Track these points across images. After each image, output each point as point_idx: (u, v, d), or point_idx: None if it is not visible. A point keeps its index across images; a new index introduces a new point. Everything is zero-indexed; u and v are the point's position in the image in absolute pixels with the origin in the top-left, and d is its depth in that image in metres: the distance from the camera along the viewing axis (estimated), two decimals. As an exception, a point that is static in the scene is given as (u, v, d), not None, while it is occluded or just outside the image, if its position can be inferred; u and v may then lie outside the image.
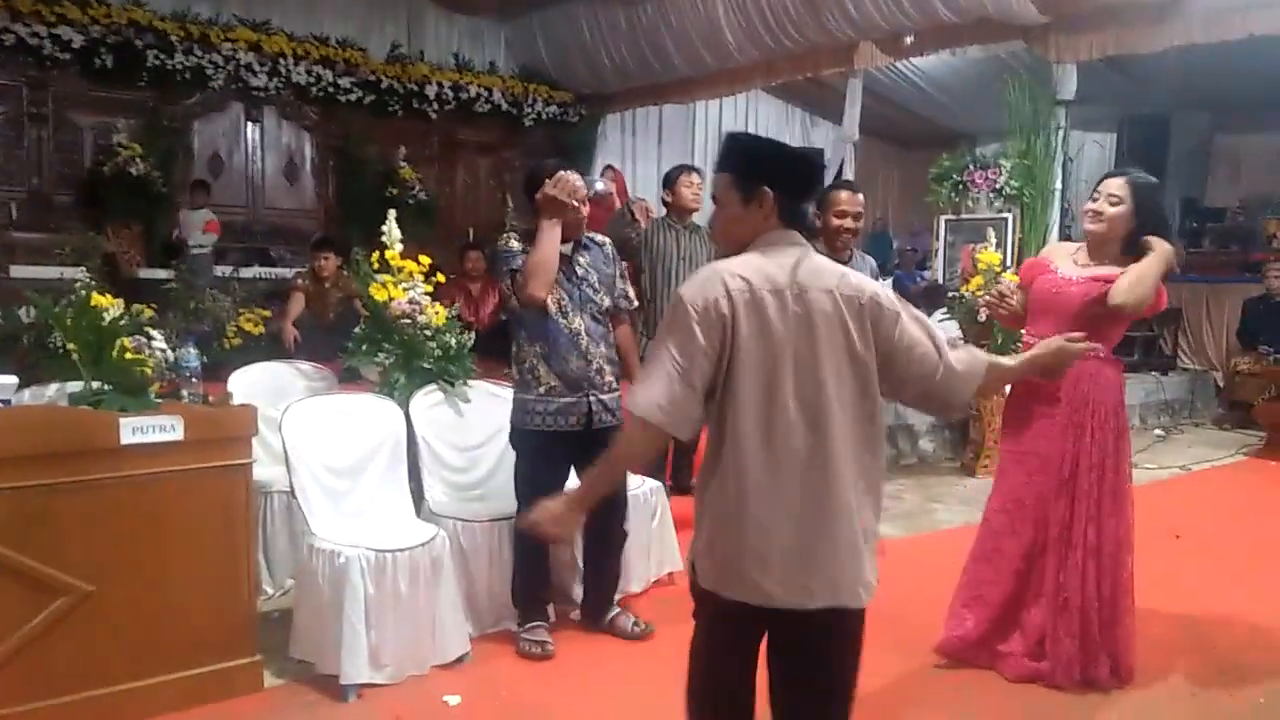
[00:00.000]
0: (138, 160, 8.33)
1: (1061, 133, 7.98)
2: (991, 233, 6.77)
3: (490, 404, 4.01)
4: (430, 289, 3.97)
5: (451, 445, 3.89)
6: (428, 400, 3.86)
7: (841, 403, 1.88)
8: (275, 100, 9.58)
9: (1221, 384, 9.25)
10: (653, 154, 12.35)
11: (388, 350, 3.88)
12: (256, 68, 9.30)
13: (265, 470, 3.84)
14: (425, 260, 4.01)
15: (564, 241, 3.43)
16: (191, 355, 3.30)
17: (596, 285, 3.51)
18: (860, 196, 3.95)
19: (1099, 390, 3.18)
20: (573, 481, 3.65)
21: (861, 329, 1.89)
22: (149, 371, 3.12)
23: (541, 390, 3.43)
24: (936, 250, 8.69)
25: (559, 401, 3.42)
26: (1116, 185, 3.16)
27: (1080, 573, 3.18)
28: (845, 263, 3.87)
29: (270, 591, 3.93)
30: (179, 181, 8.75)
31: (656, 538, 4.11)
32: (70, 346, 3.10)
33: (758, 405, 1.86)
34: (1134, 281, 3.04)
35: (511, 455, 3.97)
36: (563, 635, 3.60)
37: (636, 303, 3.95)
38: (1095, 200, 3.19)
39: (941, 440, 7.26)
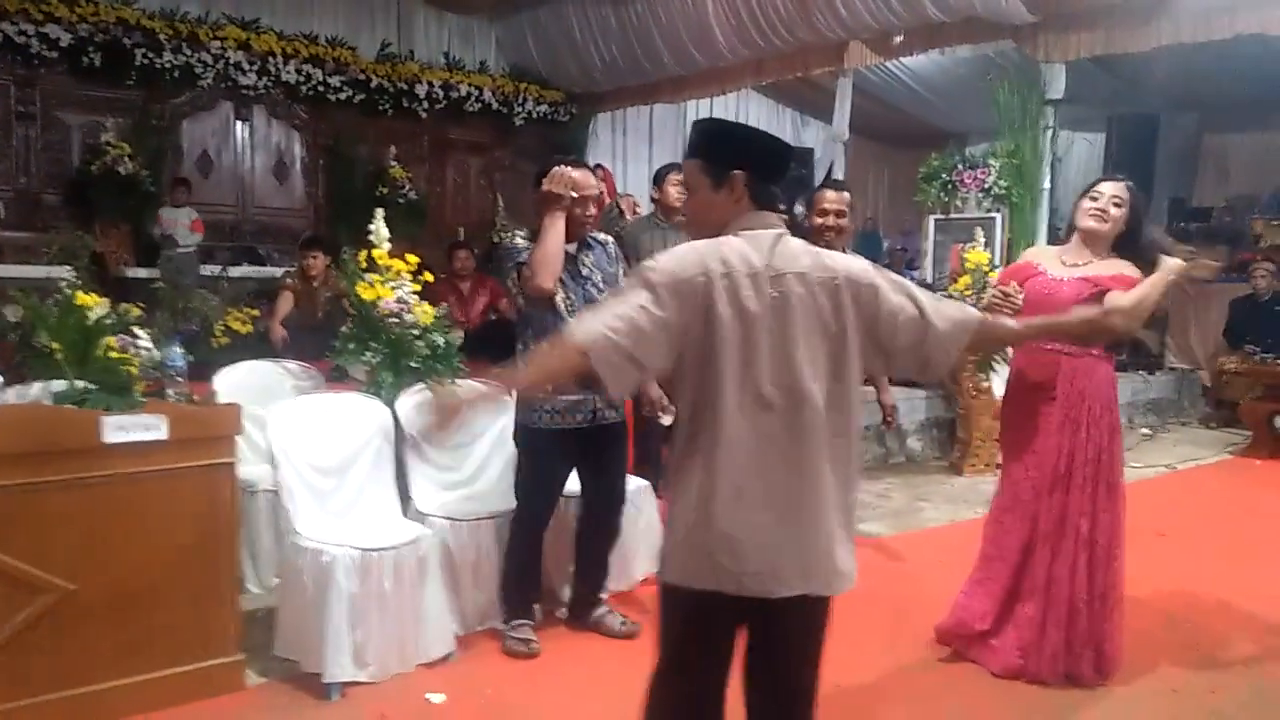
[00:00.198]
0: (126, 159, 8.30)
1: (1050, 132, 8.01)
2: (980, 232, 6.81)
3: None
4: (418, 288, 3.96)
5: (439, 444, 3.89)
6: (415, 399, 3.85)
7: (818, 387, 1.86)
8: (265, 99, 9.56)
9: (1209, 383, 9.28)
10: (644, 153, 12.36)
11: (375, 349, 3.88)
12: (246, 66, 9.27)
13: (251, 469, 3.84)
14: (413, 259, 4.00)
15: (569, 241, 3.44)
16: (177, 354, 3.30)
17: (601, 284, 3.52)
18: (846, 195, 3.97)
19: (1094, 386, 3.27)
20: (573, 481, 3.67)
21: (838, 310, 1.88)
22: (134, 370, 3.11)
23: (550, 388, 3.45)
24: (926, 250, 8.71)
25: (566, 399, 3.43)
26: (1119, 189, 3.30)
27: (1071, 565, 3.24)
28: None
29: (255, 590, 3.92)
30: (168, 181, 8.72)
31: (644, 538, 4.11)
32: (55, 345, 3.09)
33: (732, 390, 1.84)
34: (1134, 305, 3.11)
35: (498, 454, 3.99)
36: (549, 633, 3.61)
37: None
38: (1097, 200, 3.29)
39: (929, 439, 7.28)
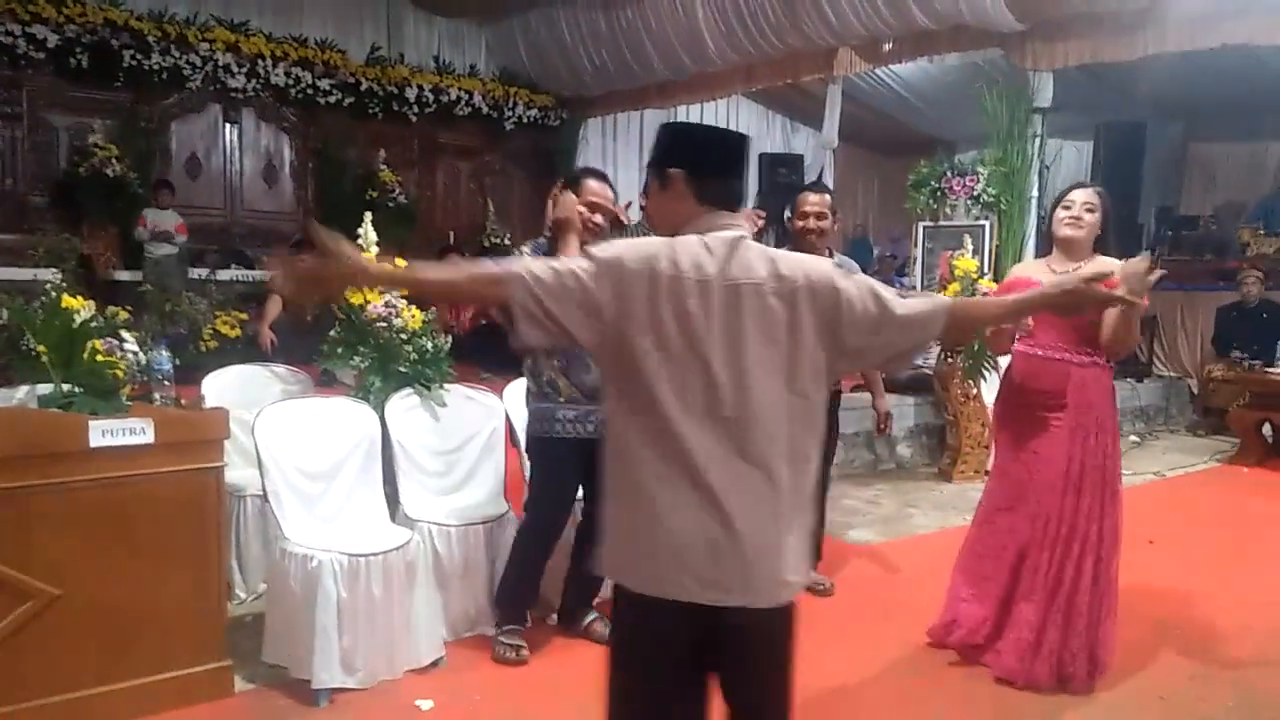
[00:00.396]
0: (114, 161, 8.29)
1: (1038, 140, 8.05)
2: (969, 239, 6.83)
3: (467, 408, 4.00)
4: (405, 292, 3.94)
5: (427, 449, 3.88)
6: (404, 404, 3.84)
7: (772, 399, 1.79)
8: (254, 102, 9.56)
9: (1196, 391, 9.33)
10: (634, 160, 12.37)
11: (363, 353, 3.86)
12: (235, 69, 9.27)
13: (239, 474, 3.82)
14: (402, 263, 3.98)
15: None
16: (164, 358, 3.27)
17: None
18: (827, 197, 3.96)
19: (1100, 394, 3.35)
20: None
21: (796, 319, 1.79)
22: (120, 374, 3.09)
23: (563, 399, 3.45)
24: (915, 256, 8.74)
25: (581, 409, 3.43)
26: (1089, 195, 3.41)
27: (1077, 569, 3.29)
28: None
29: (243, 596, 3.90)
30: (152, 183, 8.68)
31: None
32: (41, 348, 3.07)
33: (672, 397, 1.77)
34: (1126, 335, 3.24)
35: (487, 460, 3.98)
36: (539, 640, 3.59)
37: None
38: (1070, 208, 3.40)
39: (919, 446, 7.29)
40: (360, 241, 3.90)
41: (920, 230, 8.52)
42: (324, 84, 9.81)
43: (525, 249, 3.57)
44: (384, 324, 3.85)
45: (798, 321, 1.80)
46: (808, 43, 8.90)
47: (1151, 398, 9.14)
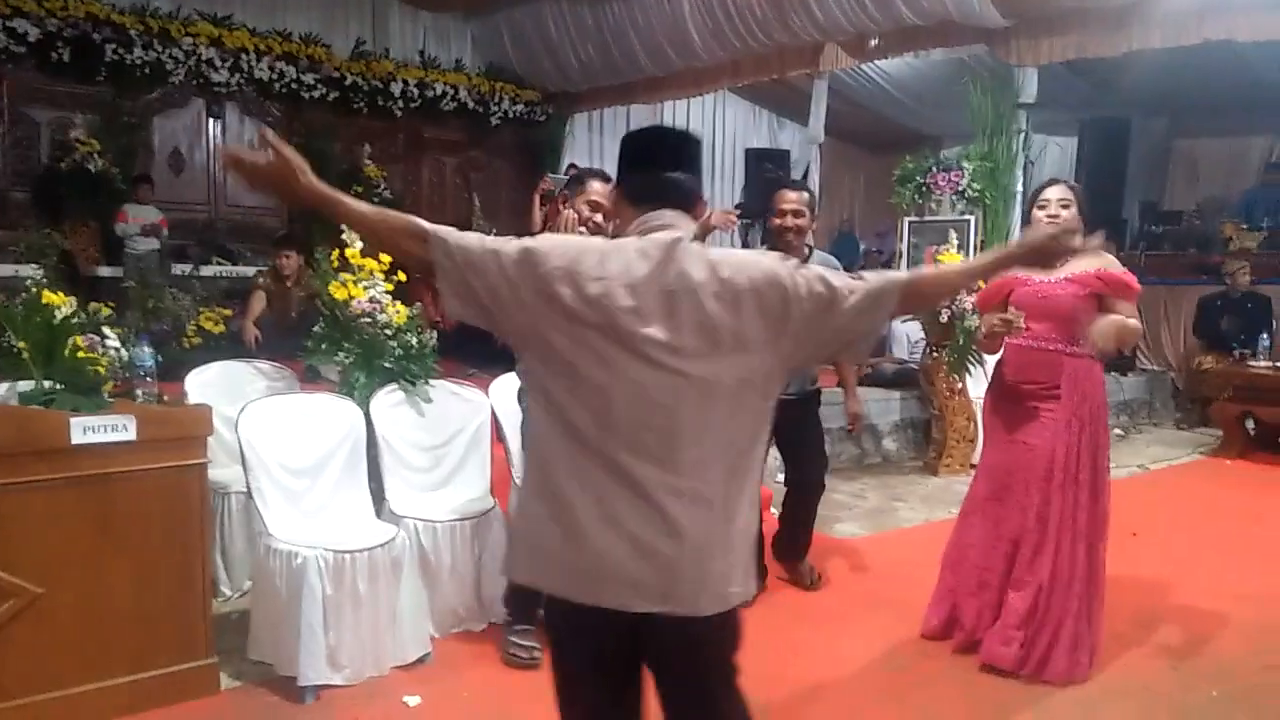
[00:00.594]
0: (96, 156, 8.20)
1: (1023, 136, 8.08)
2: (954, 234, 6.85)
3: (452, 403, 3.99)
4: (391, 287, 3.93)
5: (413, 444, 3.87)
6: (389, 400, 3.83)
7: (705, 404, 1.70)
8: (237, 96, 9.47)
9: (1180, 385, 9.37)
10: (620, 155, 12.34)
11: (347, 349, 3.85)
12: (218, 63, 9.19)
13: (224, 471, 3.80)
14: (386, 259, 3.97)
15: None
16: (146, 354, 3.25)
17: None
18: (806, 195, 3.95)
19: (1093, 386, 3.39)
20: None
21: (739, 321, 1.71)
22: (102, 370, 3.07)
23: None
24: (901, 251, 8.75)
25: None
26: (1062, 190, 3.46)
27: (1071, 559, 3.33)
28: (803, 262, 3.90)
29: (228, 593, 3.89)
30: (132, 178, 8.61)
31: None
32: (21, 345, 3.04)
33: (595, 401, 1.70)
34: (1116, 330, 3.25)
35: (474, 455, 3.97)
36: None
37: None
38: (1046, 207, 3.44)
39: (905, 440, 7.32)
40: (344, 236, 3.89)
41: (905, 225, 8.54)
42: (308, 78, 9.74)
43: None
44: (368, 320, 3.83)
45: (742, 324, 1.71)
46: (794, 38, 8.90)
47: (1135, 391, 9.20)
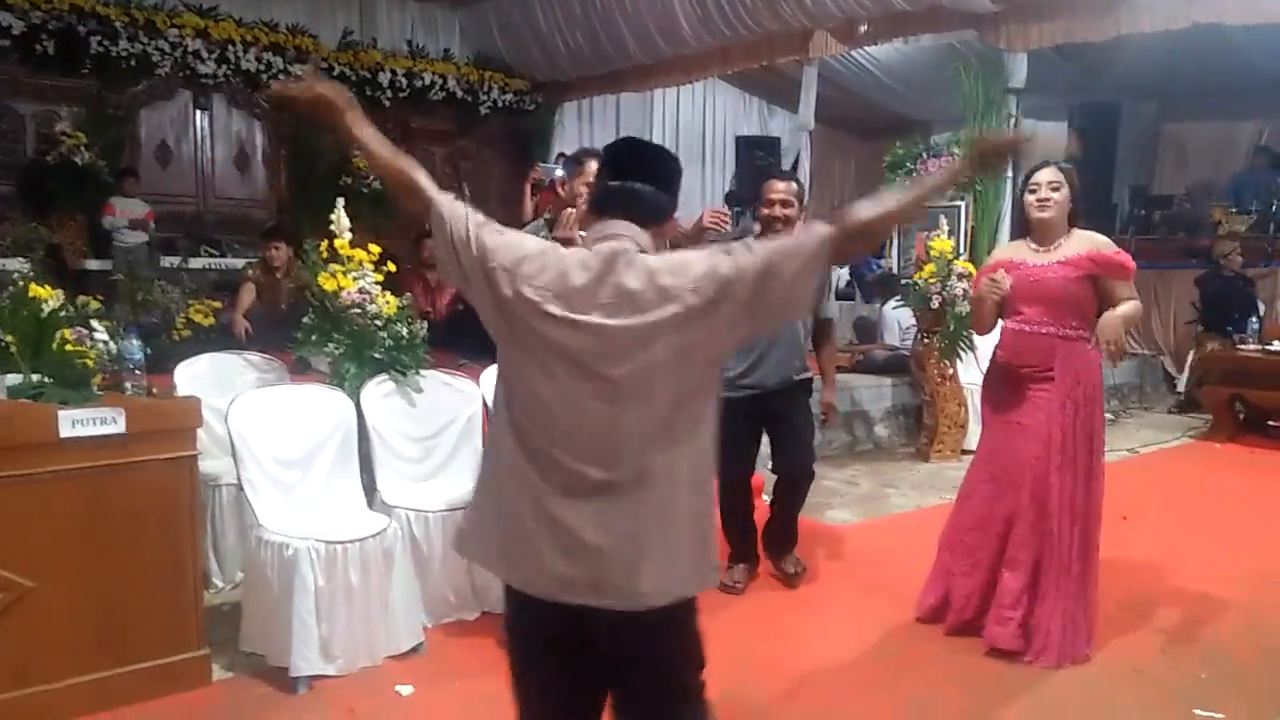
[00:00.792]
0: (82, 149, 8.14)
1: (1013, 121, 8.06)
2: (944, 220, 6.85)
3: (444, 394, 3.99)
4: (380, 278, 3.92)
5: (404, 435, 3.86)
6: (379, 390, 3.82)
7: (641, 408, 1.70)
8: (224, 88, 9.41)
9: (1175, 370, 9.37)
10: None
11: (337, 340, 3.84)
12: (204, 54, 9.12)
13: (214, 463, 3.80)
14: (375, 249, 3.96)
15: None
16: (135, 347, 3.24)
17: None
18: (795, 185, 3.95)
19: (1086, 369, 3.39)
20: None
21: (678, 331, 1.69)
22: (90, 363, 3.07)
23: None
24: (891, 238, 8.76)
25: None
26: (1052, 173, 3.43)
27: (1068, 541, 3.35)
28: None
29: (220, 585, 3.88)
30: (118, 171, 8.56)
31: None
32: (9, 338, 3.03)
33: (534, 397, 1.74)
34: (1122, 323, 3.30)
35: (465, 445, 3.97)
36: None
37: None
38: (1036, 191, 3.43)
39: (896, 426, 7.33)
40: (333, 227, 3.88)
41: (896, 212, 8.53)
42: (296, 69, 9.68)
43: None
44: (358, 310, 3.82)
45: (680, 331, 1.68)
46: (783, 25, 8.88)
47: (1126, 376, 9.22)
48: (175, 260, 8.12)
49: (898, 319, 7.57)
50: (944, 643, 3.52)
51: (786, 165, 10.73)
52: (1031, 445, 3.39)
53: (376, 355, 3.86)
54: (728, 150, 13.05)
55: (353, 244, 3.89)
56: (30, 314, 3.04)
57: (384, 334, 3.86)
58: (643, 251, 1.76)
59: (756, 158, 11.26)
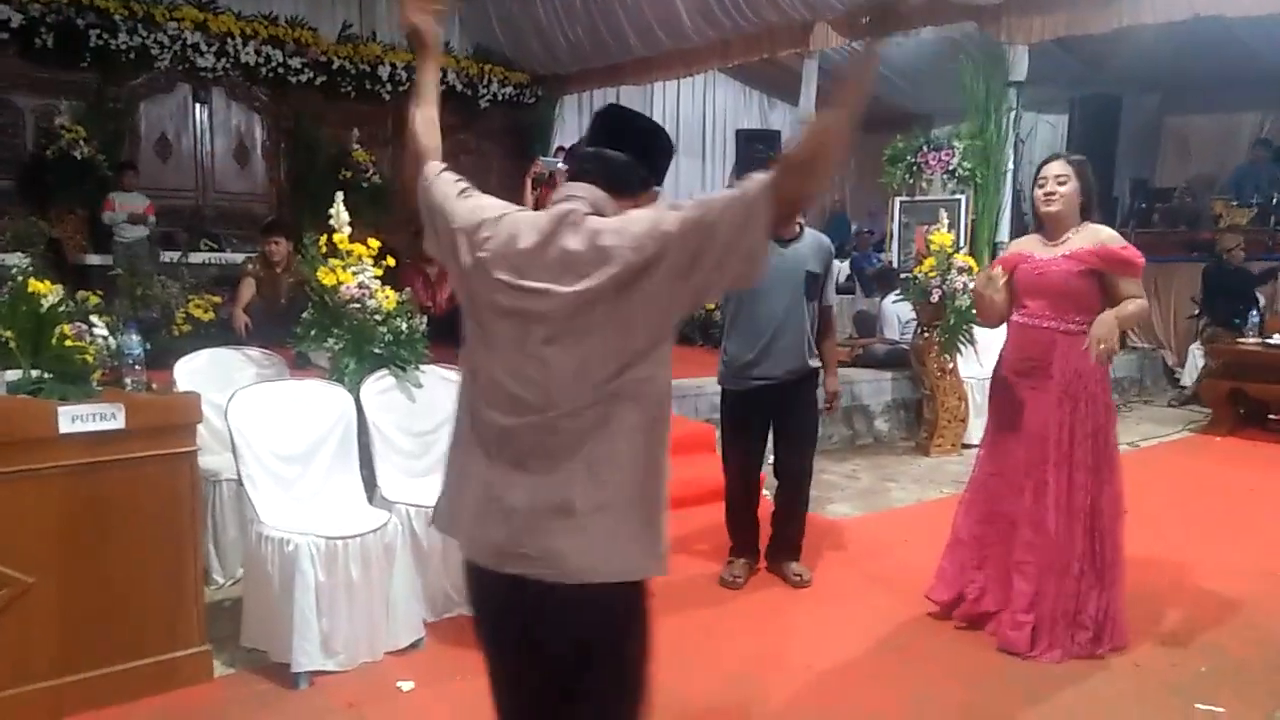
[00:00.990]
0: (82, 143, 8.15)
1: (1013, 114, 8.06)
2: (945, 213, 6.84)
3: (444, 389, 3.97)
4: (379, 273, 3.92)
5: (404, 430, 3.86)
6: (379, 385, 3.82)
7: (579, 376, 1.66)
8: (223, 81, 9.43)
9: (1176, 364, 9.36)
10: (611, 137, 12.28)
11: (337, 335, 3.84)
12: (204, 48, 9.13)
13: (214, 458, 3.79)
14: (375, 244, 3.96)
15: None
16: (134, 342, 3.23)
17: None
18: None
19: (1087, 364, 3.33)
20: None
21: (619, 294, 1.63)
22: (90, 359, 3.06)
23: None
24: (892, 231, 8.75)
25: None
26: (1059, 166, 3.41)
27: (1073, 538, 3.34)
28: (793, 239, 3.88)
29: (220, 580, 3.88)
30: (117, 165, 8.56)
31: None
32: (8, 334, 3.02)
33: (480, 362, 1.76)
34: (1117, 324, 3.27)
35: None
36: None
37: None
38: (1044, 185, 3.41)
39: (897, 420, 7.33)
40: (332, 222, 3.87)
41: (897, 205, 8.54)
42: (295, 62, 9.68)
43: None
44: (358, 305, 3.82)
45: (621, 295, 1.64)
46: (784, 18, 8.87)
47: (1126, 370, 9.23)
48: (175, 255, 8.13)
49: (897, 313, 7.56)
50: (945, 636, 3.53)
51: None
52: (1030, 442, 3.38)
53: (376, 350, 3.86)
54: (728, 143, 13.03)
55: (352, 238, 3.89)
56: (30, 309, 3.03)
57: (384, 329, 3.86)
58: (596, 214, 1.71)
59: (757, 151, 11.17)
